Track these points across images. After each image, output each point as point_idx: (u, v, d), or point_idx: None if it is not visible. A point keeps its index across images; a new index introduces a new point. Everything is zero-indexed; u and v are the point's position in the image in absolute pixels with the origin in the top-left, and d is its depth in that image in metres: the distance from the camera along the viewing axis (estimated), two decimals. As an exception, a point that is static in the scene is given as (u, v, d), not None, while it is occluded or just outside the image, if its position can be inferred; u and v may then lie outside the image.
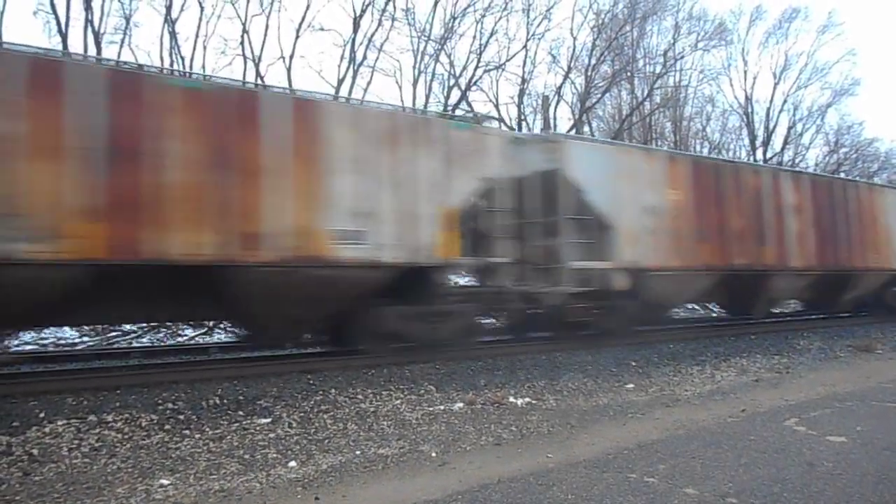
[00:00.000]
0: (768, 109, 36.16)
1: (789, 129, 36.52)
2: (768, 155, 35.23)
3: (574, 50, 28.38)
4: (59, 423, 5.74)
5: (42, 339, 11.83)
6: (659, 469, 4.62)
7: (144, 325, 12.67)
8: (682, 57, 31.21)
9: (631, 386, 8.12)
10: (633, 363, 9.61)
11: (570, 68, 28.22)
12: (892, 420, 6.13)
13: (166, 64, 19.81)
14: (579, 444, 5.44)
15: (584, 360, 9.58)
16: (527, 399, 7.21)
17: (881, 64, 70.20)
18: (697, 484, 4.26)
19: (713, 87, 35.88)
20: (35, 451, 5.11)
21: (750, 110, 36.11)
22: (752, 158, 33.44)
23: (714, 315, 19.45)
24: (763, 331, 13.70)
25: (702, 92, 34.87)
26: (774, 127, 36.31)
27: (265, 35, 23.03)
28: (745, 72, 36.28)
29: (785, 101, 36.19)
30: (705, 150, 33.46)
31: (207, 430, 5.83)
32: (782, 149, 36.21)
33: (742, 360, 10.18)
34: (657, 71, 30.57)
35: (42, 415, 5.96)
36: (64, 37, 18.55)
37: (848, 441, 5.34)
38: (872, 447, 5.13)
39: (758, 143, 35.99)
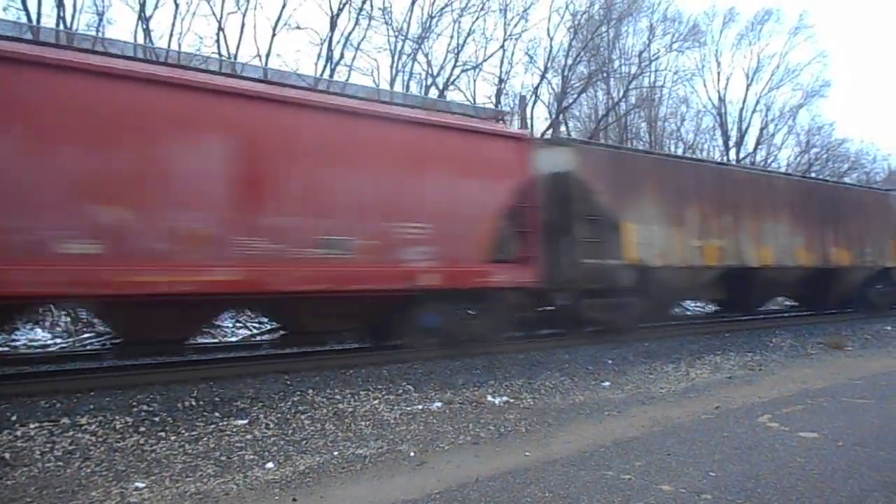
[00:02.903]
0: (741, 110, 36.79)
1: (762, 129, 37.17)
2: (741, 155, 35.73)
3: (551, 50, 28.54)
4: (32, 426, 5.64)
5: (13, 340, 11.62)
6: (635, 466, 4.67)
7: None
8: (656, 58, 31.58)
9: (607, 384, 8.19)
10: (610, 361, 9.69)
11: (546, 68, 28.36)
12: (862, 416, 6.26)
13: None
14: (556, 442, 5.48)
15: (562, 359, 9.64)
16: (505, 398, 7.24)
17: (851, 66, 71.66)
18: (673, 480, 4.32)
19: (687, 87, 36.47)
20: (6, 455, 5.01)
21: (723, 111, 36.69)
22: (725, 158, 33.87)
23: (689, 313, 19.71)
24: (736, 328, 13.89)
25: (676, 93, 35.34)
26: (747, 128, 36.93)
27: (241, 33, 22.87)
28: (719, 73, 36.94)
29: (757, 102, 36.88)
30: (679, 151, 33.84)
31: (183, 431, 5.77)
32: (755, 149, 36.82)
33: (716, 357, 10.32)
34: (632, 72, 30.88)
35: (14, 418, 5.86)
36: (35, 33, 18.19)
37: (819, 437, 5.44)
38: (843, 443, 5.24)
39: (731, 143, 36.51)
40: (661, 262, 12.34)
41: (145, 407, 6.41)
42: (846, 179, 34.14)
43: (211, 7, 21.22)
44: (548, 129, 27.41)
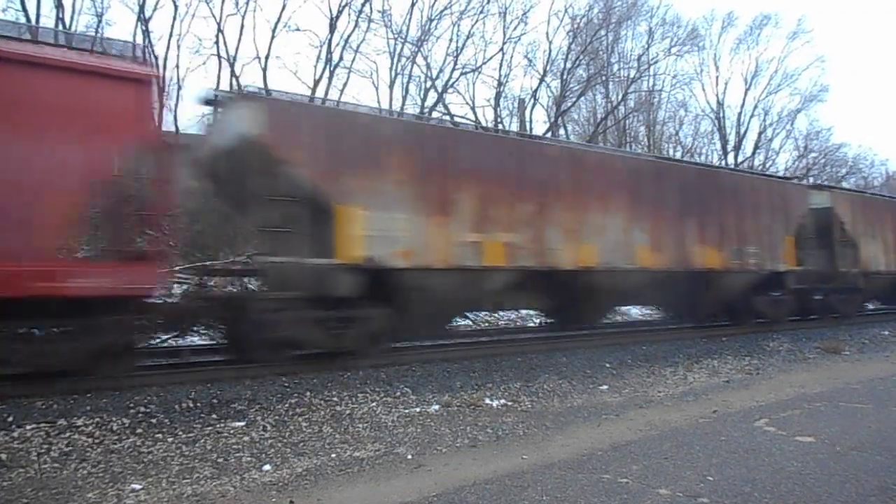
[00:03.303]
0: (739, 114, 36.83)
1: (760, 133, 37.19)
2: (739, 159, 35.78)
3: (550, 54, 28.60)
4: (28, 427, 5.63)
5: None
6: (632, 470, 4.67)
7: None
8: (655, 62, 31.65)
9: (605, 387, 8.19)
10: (608, 365, 9.70)
11: (545, 72, 28.41)
12: (860, 421, 6.26)
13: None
14: (554, 445, 5.48)
15: (560, 362, 9.65)
16: (502, 401, 7.24)
17: (849, 71, 71.81)
18: (670, 484, 4.32)
19: (686, 91, 36.39)
20: (3, 456, 5.00)
21: (721, 115, 36.74)
22: (723, 162, 33.94)
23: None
24: (734, 333, 13.90)
25: (675, 97, 35.39)
26: (745, 132, 36.96)
27: (240, 35, 22.78)
28: (717, 77, 36.88)
29: (756, 107, 36.88)
30: (678, 155, 33.89)
31: (180, 433, 5.77)
32: (753, 153, 36.83)
33: (713, 361, 10.33)
34: (631, 75, 30.93)
35: (10, 419, 5.84)
36: (34, 35, 18.21)
37: (816, 441, 5.44)
38: (840, 447, 5.24)
39: (729, 147, 36.56)
40: (406, 262, 9.30)
41: (142, 408, 6.40)
42: (844, 184, 34.15)
43: (210, 9, 21.20)
44: (547, 131, 27.46)
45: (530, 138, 15.63)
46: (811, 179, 32.56)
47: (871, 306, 20.51)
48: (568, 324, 12.88)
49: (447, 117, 24.97)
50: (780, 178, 19.21)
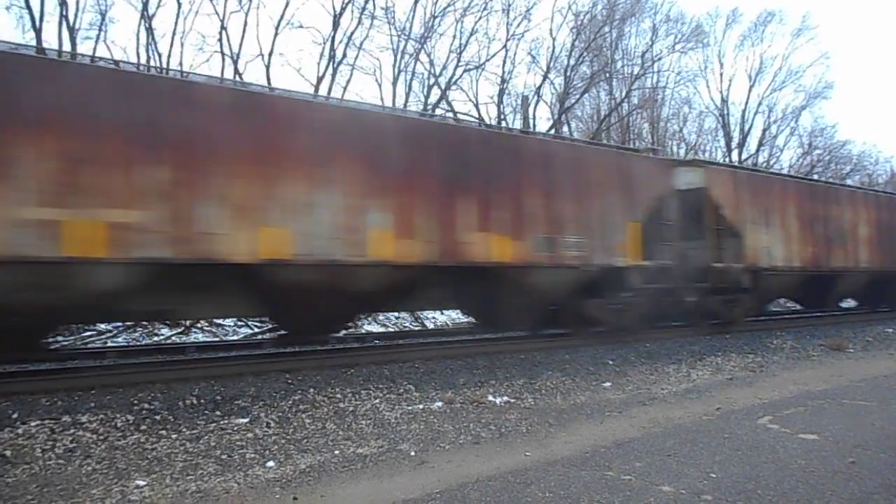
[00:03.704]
0: (743, 111, 36.73)
1: (764, 130, 37.09)
2: (743, 156, 35.70)
3: (553, 50, 28.50)
4: (33, 423, 5.65)
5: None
6: (635, 467, 4.67)
7: (120, 324, 12.53)
8: (659, 58, 31.51)
9: (608, 384, 8.19)
10: (611, 362, 9.69)
11: (549, 68, 28.33)
12: (863, 418, 6.25)
13: (142, 60, 19.56)
14: (557, 442, 5.48)
15: (563, 359, 9.64)
16: (505, 398, 7.25)
17: (854, 67, 71.57)
18: (673, 481, 4.32)
19: (690, 88, 36.39)
20: (7, 453, 5.02)
21: (726, 112, 36.63)
22: (727, 160, 33.85)
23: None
24: (737, 330, 13.87)
25: (679, 93, 35.28)
26: (750, 129, 36.86)
27: (244, 32, 22.88)
28: (721, 74, 37.01)
29: (760, 104, 36.80)
30: (682, 152, 33.82)
31: (184, 430, 5.78)
32: (757, 150, 36.75)
33: (717, 358, 10.31)
34: (635, 72, 30.82)
35: (15, 415, 5.87)
36: (38, 32, 18.24)
37: (820, 439, 5.44)
38: (844, 445, 5.23)
39: (733, 144, 36.48)
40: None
41: (146, 405, 6.42)
42: (848, 181, 34.03)
43: (214, 6, 21.22)
44: (550, 128, 27.41)
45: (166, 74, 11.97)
46: (816, 176, 32.34)
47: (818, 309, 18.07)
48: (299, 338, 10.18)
49: (450, 114, 24.94)
50: (624, 148, 15.16)
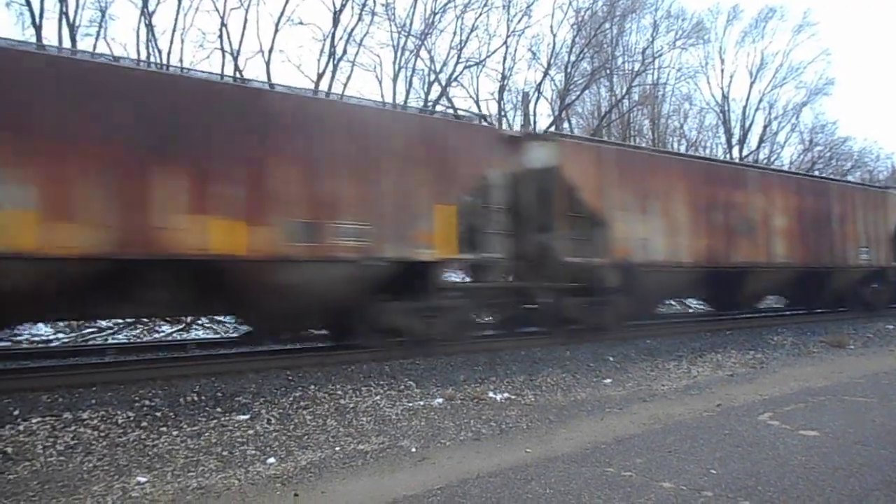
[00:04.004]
0: (744, 108, 36.73)
1: (765, 127, 37.09)
2: (744, 153, 35.67)
3: (554, 47, 28.50)
4: (34, 420, 5.66)
5: (16, 335, 11.64)
6: (636, 463, 4.67)
7: (121, 321, 12.53)
8: (660, 55, 31.53)
9: (609, 381, 8.19)
10: (611, 358, 9.69)
11: (549, 65, 28.34)
12: (863, 415, 6.25)
13: (143, 57, 19.54)
14: (558, 438, 5.49)
15: (563, 356, 9.64)
16: (506, 394, 7.25)
17: (855, 64, 71.46)
18: (673, 478, 4.32)
19: (691, 85, 36.28)
20: (9, 450, 5.03)
21: (726, 108, 36.63)
22: (728, 156, 33.83)
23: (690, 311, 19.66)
24: (737, 326, 13.86)
25: (679, 90, 35.27)
26: (750, 125, 36.86)
27: (244, 28, 22.88)
28: (722, 70, 36.76)
29: (761, 100, 36.80)
30: (682, 148, 33.79)
31: (185, 426, 5.79)
32: (758, 147, 36.73)
33: (717, 355, 10.31)
34: (636, 69, 30.86)
35: (16, 412, 5.88)
36: (38, 29, 18.24)
37: (820, 435, 5.44)
38: (844, 441, 5.23)
39: (734, 141, 36.44)
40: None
41: (147, 402, 6.43)
42: (850, 178, 33.95)
43: (213, 2, 21.21)
44: (550, 125, 27.39)
45: None
46: (816, 172, 32.21)
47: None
48: None
49: (451, 111, 24.91)
50: (432, 113, 12.87)
